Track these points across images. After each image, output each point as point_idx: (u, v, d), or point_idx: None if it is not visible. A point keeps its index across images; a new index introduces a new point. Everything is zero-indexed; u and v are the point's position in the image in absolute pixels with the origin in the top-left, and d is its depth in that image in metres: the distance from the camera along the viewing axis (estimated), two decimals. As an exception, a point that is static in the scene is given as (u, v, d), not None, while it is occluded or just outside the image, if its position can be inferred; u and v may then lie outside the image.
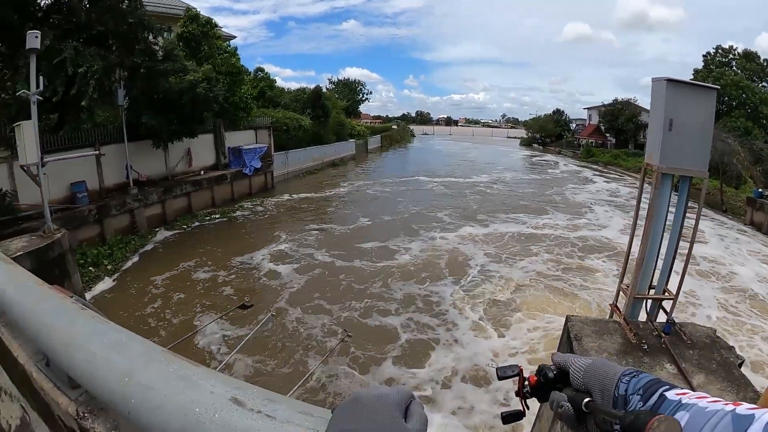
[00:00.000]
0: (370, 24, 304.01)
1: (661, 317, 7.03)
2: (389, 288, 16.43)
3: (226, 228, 24.27)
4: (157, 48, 21.43)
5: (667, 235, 6.98)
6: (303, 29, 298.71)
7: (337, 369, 11.23)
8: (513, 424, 1.38)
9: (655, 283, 7.09)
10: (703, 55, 51.02)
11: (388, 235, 22.99)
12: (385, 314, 14.44)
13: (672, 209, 6.91)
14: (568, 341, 6.33)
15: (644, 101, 65.94)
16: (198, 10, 31.27)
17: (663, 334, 6.36)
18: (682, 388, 0.96)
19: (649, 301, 7.00)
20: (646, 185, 7.21)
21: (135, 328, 9.89)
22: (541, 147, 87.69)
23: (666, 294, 7.05)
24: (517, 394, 1.30)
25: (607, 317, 7.40)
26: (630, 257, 7.76)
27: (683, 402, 0.89)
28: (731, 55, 49.83)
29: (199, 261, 18.71)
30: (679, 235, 6.97)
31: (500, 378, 1.33)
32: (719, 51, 50.13)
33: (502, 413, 1.33)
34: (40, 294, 2.02)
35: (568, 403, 1.12)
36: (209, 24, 30.31)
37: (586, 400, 1.08)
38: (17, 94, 10.98)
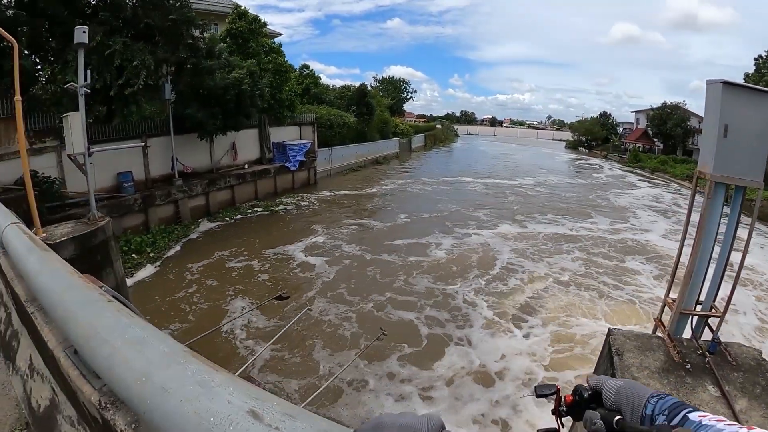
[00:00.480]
0: (415, 22, 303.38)
1: (706, 334, 6.73)
2: (418, 284, 16.40)
3: (268, 221, 24.53)
4: (202, 45, 21.77)
5: (716, 248, 6.64)
6: (348, 27, 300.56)
7: (364, 370, 11.18)
8: None
9: (702, 298, 6.75)
10: (755, 59, 48.18)
11: (425, 232, 23.07)
12: (414, 310, 14.43)
13: (723, 220, 6.58)
14: (608, 355, 6.09)
15: (693, 105, 64.05)
16: (245, 7, 31.71)
17: (707, 354, 6.06)
18: (704, 411, 1.02)
19: (695, 318, 6.69)
20: (697, 194, 6.88)
21: (171, 315, 10.27)
22: (586, 150, 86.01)
23: (713, 311, 6.71)
24: (553, 412, 1.40)
25: (651, 332, 7.09)
26: (677, 270, 7.42)
27: (703, 423, 0.96)
28: (784, 58, 47.13)
29: (238, 251, 19.00)
30: (731, 249, 6.59)
31: (538, 396, 1.44)
32: (771, 54, 47.67)
33: (538, 430, 1.40)
34: (69, 283, 2.01)
35: (600, 421, 1.17)
36: (256, 21, 30.70)
37: (617, 418, 1.15)
38: (66, 86, 11.27)
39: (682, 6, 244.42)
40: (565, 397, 1.37)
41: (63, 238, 8.90)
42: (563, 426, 1.43)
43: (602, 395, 1.26)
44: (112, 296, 1.86)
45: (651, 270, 18.82)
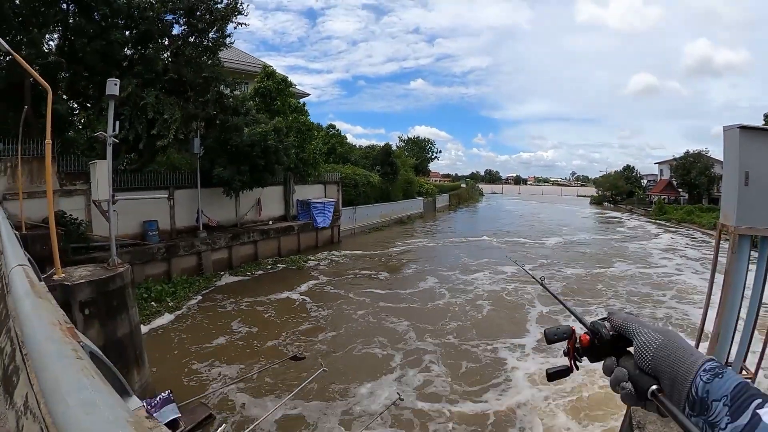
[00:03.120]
0: (439, 83, 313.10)
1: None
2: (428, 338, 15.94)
3: (290, 277, 24.26)
4: (232, 102, 22.45)
5: (745, 303, 6.25)
6: (374, 88, 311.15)
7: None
8: None
9: (731, 359, 6.34)
10: None
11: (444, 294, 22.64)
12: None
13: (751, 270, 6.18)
14: (629, 428, 5.64)
15: (716, 152, 64.00)
16: (274, 68, 32.69)
17: (739, 419, 5.66)
18: None
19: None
20: (720, 246, 6.60)
21: (185, 366, 10.12)
22: (612, 205, 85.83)
23: (744, 372, 6.28)
24: (566, 353, 1.23)
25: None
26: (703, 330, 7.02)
27: None
28: (803, 96, 46.57)
29: (259, 308, 18.86)
30: (760, 304, 6.17)
31: (550, 342, 1.27)
32: (789, 92, 47.14)
33: (547, 370, 1.28)
34: (48, 333, 1.99)
35: (629, 386, 0.97)
36: (284, 82, 31.65)
37: (653, 387, 0.92)
38: (96, 135, 11.63)
39: (697, 52, 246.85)
40: (581, 337, 1.18)
41: (80, 281, 8.98)
42: (578, 369, 1.24)
43: (633, 345, 1.01)
44: (91, 352, 1.80)
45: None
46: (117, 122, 10.94)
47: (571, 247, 37.90)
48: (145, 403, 9.07)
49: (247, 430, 7.44)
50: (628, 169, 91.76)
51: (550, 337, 1.26)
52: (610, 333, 1.09)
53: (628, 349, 1.06)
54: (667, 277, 26.80)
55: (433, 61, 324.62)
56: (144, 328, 14.87)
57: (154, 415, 8.96)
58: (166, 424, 8.98)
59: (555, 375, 1.27)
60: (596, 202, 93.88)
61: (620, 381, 0.98)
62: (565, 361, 1.25)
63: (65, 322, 2.26)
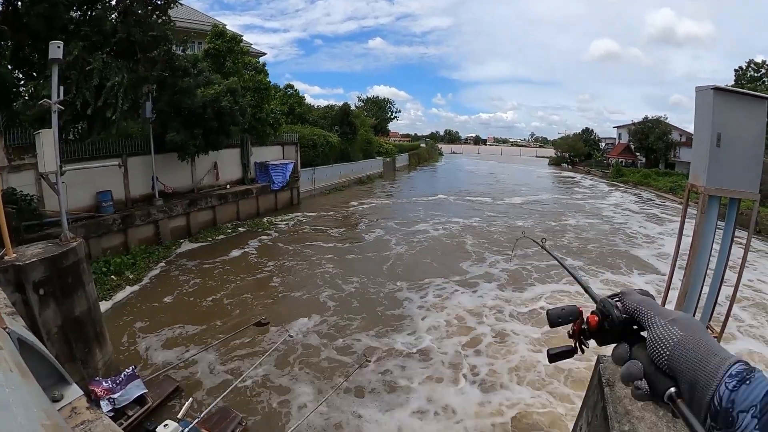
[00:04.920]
0: (399, 43, 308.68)
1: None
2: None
3: (250, 241, 23.99)
4: (183, 62, 21.53)
5: (712, 262, 6.28)
6: (332, 47, 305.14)
7: (350, 398, 10.79)
8: None
9: (698, 317, 6.38)
10: (735, 70, 49.24)
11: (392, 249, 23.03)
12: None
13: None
14: (598, 386, 5.65)
15: (674, 119, 65.72)
16: (226, 26, 31.58)
17: (706, 376, 5.71)
18: None
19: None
20: (680, 210, 6.60)
21: (151, 339, 10.10)
22: (570, 166, 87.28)
23: (710, 331, 6.38)
24: (571, 335, 1.15)
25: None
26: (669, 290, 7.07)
27: None
28: (763, 70, 47.74)
29: (220, 274, 18.60)
30: (726, 265, 6.23)
31: (553, 325, 1.17)
32: (751, 65, 48.29)
33: (548, 351, 1.19)
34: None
35: (645, 385, 0.86)
36: (234, 40, 30.61)
37: (671, 390, 0.81)
38: (40, 102, 10.93)
39: (660, 21, 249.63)
40: (588, 318, 1.07)
41: (33, 259, 8.51)
42: (583, 351, 1.13)
43: (647, 336, 0.88)
44: (19, 339, 1.55)
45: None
46: (62, 88, 10.31)
47: (528, 203, 40.13)
48: (109, 382, 8.87)
49: (214, 403, 7.24)
50: (587, 131, 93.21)
51: (554, 320, 1.15)
52: (622, 316, 0.98)
53: (642, 333, 0.94)
54: (609, 225, 31.45)
55: (393, 20, 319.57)
56: (106, 304, 14.68)
57: (120, 392, 8.77)
58: (133, 401, 8.83)
59: (557, 356, 1.18)
60: (555, 163, 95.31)
61: (634, 378, 0.87)
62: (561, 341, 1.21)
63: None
